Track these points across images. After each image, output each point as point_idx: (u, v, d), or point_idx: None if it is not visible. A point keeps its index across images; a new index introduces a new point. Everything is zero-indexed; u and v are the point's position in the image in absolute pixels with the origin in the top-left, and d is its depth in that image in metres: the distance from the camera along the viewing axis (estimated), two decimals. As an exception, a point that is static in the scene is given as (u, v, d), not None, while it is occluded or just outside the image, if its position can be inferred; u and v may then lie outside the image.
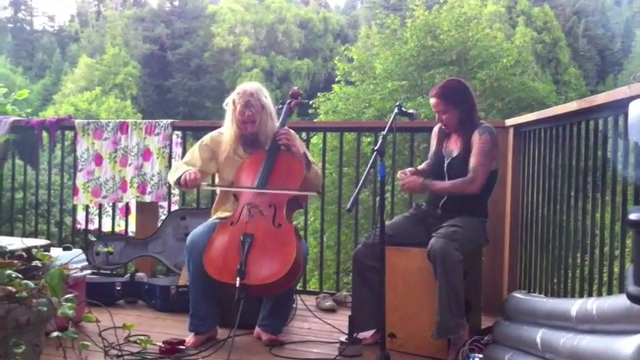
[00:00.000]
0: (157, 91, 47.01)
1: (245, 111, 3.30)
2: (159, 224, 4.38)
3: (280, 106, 3.59)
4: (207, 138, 3.54)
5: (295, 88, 3.72)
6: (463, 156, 3.22)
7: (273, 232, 3.12)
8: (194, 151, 3.52)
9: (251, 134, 3.38)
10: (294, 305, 3.72)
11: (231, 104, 3.36)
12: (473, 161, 3.16)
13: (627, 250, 2.35)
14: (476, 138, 3.18)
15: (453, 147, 3.31)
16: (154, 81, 47.12)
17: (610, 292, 2.60)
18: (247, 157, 3.41)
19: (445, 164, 3.30)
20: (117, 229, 4.73)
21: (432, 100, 3.28)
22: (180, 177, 3.29)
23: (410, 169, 3.39)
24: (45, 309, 2.28)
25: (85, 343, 2.36)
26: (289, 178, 3.28)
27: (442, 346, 3.04)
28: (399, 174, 3.33)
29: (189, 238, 3.28)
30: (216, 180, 3.61)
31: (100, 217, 4.76)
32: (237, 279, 2.92)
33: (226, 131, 3.42)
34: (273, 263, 3.03)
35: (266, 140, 3.40)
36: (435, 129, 3.46)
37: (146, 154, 4.47)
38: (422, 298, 3.11)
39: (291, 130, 3.53)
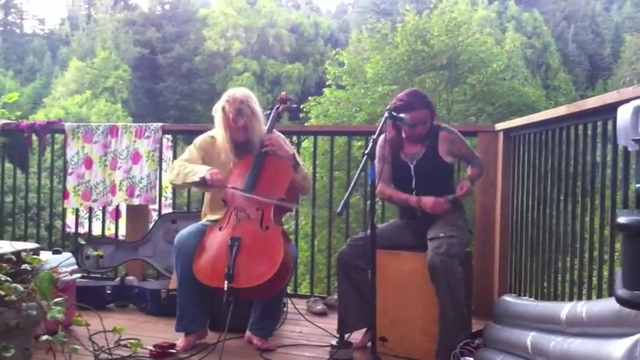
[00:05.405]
0: (147, 95, 46.92)
1: (238, 119, 3.27)
2: (149, 228, 4.37)
3: (269, 111, 3.57)
4: (199, 140, 3.52)
5: (284, 93, 3.70)
6: (432, 154, 3.29)
7: (261, 235, 3.11)
8: (192, 150, 3.45)
9: (243, 140, 3.38)
10: (285, 309, 3.73)
11: (220, 111, 3.32)
12: (468, 151, 3.40)
13: (616, 253, 2.37)
14: (448, 137, 3.31)
15: (415, 150, 3.34)
16: (145, 84, 47.04)
17: (600, 296, 2.62)
18: (237, 161, 3.41)
19: (412, 167, 3.32)
20: (107, 233, 4.71)
21: (424, 112, 3.26)
22: (202, 176, 3.15)
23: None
24: (34, 313, 2.27)
25: (75, 347, 2.35)
26: (276, 182, 3.28)
27: (433, 350, 3.04)
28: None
29: (176, 238, 3.27)
30: None
31: (90, 221, 4.74)
32: (226, 282, 2.92)
33: (219, 138, 3.40)
34: (260, 265, 3.02)
35: (255, 145, 3.39)
36: (381, 141, 3.33)
37: (135, 157, 4.46)
38: (413, 301, 3.11)
39: (280, 134, 3.53)
